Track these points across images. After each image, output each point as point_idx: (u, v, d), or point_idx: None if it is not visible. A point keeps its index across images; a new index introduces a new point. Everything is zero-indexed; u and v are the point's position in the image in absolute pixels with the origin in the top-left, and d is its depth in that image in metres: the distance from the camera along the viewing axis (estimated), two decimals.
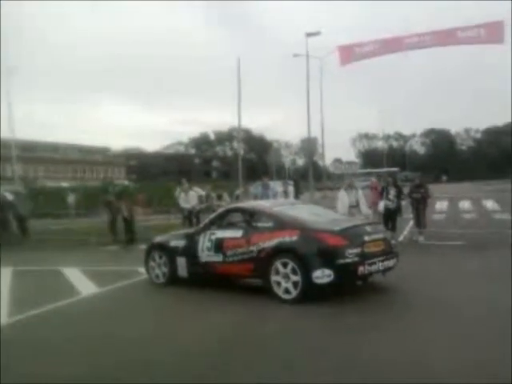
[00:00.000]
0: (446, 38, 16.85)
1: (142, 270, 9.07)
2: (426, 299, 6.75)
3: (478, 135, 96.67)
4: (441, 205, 20.44)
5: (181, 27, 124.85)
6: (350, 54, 17.68)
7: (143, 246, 10.07)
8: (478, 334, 5.20)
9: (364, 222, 7.80)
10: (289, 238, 6.94)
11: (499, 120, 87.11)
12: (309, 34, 29.12)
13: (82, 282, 9.03)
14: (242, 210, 8.21)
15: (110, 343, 5.51)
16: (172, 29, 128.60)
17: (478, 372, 4.17)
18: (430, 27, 17.55)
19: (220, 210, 8.72)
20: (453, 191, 29.21)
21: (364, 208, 11.42)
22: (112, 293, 8.24)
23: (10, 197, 16.70)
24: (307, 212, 8.00)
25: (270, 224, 7.34)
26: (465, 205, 21.43)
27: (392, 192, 12.32)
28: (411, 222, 13.50)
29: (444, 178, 64.96)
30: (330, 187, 42.02)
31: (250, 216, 7.79)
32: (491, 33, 15.98)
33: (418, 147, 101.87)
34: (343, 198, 11.50)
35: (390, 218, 12.13)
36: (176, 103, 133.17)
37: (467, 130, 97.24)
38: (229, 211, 8.42)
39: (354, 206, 11.34)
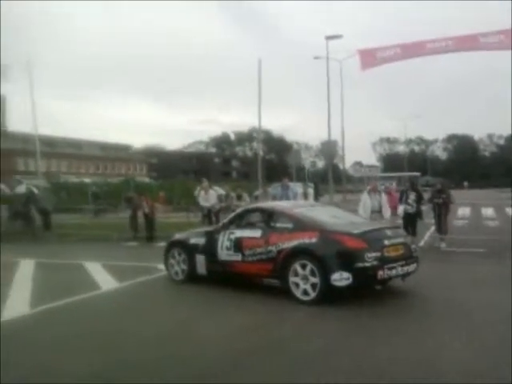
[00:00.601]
0: (468, 43, 16.65)
1: (162, 266, 9.17)
2: (444, 305, 6.69)
3: (501, 141, 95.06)
4: (463, 211, 20.18)
5: (201, 28, 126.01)
6: (371, 58, 17.55)
7: (163, 243, 10.18)
8: (491, 338, 5.14)
9: (384, 226, 7.75)
10: (308, 239, 6.94)
11: None
12: (329, 37, 29.04)
13: (102, 277, 9.18)
14: (262, 210, 8.23)
15: (128, 339, 5.57)
16: (193, 29, 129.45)
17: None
18: (450, 32, 17.42)
19: (239, 210, 8.76)
20: (475, 197, 28.82)
21: (387, 213, 11.19)
22: (131, 288, 8.36)
23: (34, 191, 17.07)
24: (327, 214, 7.99)
25: (289, 225, 7.35)
26: (487, 212, 21.11)
27: (411, 196, 12.19)
28: (432, 228, 13.34)
29: (465, 184, 64.04)
30: (349, 190, 41.85)
31: (270, 216, 7.80)
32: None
33: (440, 152, 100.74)
34: (366, 201, 11.25)
35: (410, 222, 12.00)
36: (197, 103, 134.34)
37: (490, 136, 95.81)
38: (248, 211, 8.46)
39: (377, 211, 11.09)
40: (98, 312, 6.86)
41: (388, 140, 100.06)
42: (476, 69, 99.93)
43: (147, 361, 4.81)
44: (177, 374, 4.48)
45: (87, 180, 36.74)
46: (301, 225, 7.23)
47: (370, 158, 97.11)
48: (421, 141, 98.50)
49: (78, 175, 47.61)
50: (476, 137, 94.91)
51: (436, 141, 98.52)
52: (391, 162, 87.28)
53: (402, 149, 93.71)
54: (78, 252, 12.55)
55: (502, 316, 6.02)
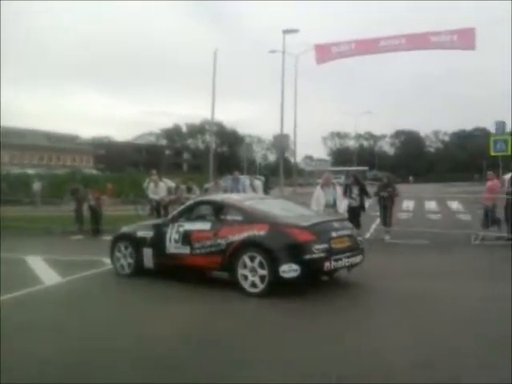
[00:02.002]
0: (420, 41, 17.16)
1: (107, 260, 8.94)
2: (385, 295, 6.89)
3: (447, 138, 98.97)
4: (407, 204, 20.81)
5: (156, 17, 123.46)
6: (326, 53, 17.81)
7: (109, 237, 9.92)
8: (434, 324, 5.34)
9: (332, 218, 7.87)
10: (257, 232, 6.95)
11: (467, 124, 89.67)
12: (286, 31, 29.10)
13: (45, 271, 8.85)
14: (212, 203, 8.16)
15: (70, 334, 5.40)
16: (148, 19, 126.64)
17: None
18: (405, 30, 17.91)
19: (189, 202, 8.67)
20: (419, 191, 29.82)
21: (341, 207, 10.72)
22: (75, 283, 8.09)
23: None
24: (277, 207, 8.02)
25: (239, 218, 7.33)
26: (431, 205, 21.86)
27: (355, 190, 12.37)
28: (378, 220, 13.69)
29: (411, 178, 66.26)
30: (300, 183, 42.39)
31: (220, 209, 7.75)
32: (463, 39, 16.37)
33: (388, 148, 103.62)
34: (319, 196, 10.69)
35: (354, 216, 12.13)
36: (148, 93, 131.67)
37: (436, 133, 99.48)
38: (198, 204, 8.37)
39: (331, 206, 10.56)
40: (39, 308, 6.59)
41: (338, 134, 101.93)
42: (427, 67, 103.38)
43: (86, 358, 4.66)
44: (116, 366, 4.37)
45: (30, 171, 35.30)
46: (250, 217, 7.22)
47: (321, 152, 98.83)
48: (370, 136, 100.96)
49: (21, 166, 45.65)
50: (422, 133, 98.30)
51: (384, 136, 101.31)
52: (341, 157, 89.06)
53: (351, 143, 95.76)
54: (20, 246, 12.01)
55: (439, 304, 6.26)
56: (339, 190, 10.97)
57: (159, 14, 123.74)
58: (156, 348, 4.88)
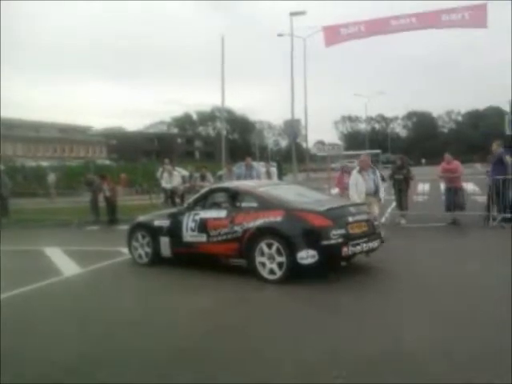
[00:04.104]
0: (431, 20, 16.79)
1: (125, 250, 9.01)
2: (407, 279, 6.86)
3: (460, 118, 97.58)
4: (423, 187, 20.58)
5: (163, 5, 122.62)
6: (335, 35, 17.50)
7: (125, 227, 9.99)
8: (452, 310, 5.30)
9: (348, 203, 7.82)
10: (274, 218, 6.93)
11: (480, 104, 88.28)
12: (293, 14, 28.76)
13: (64, 262, 8.93)
14: (227, 190, 8.14)
15: (93, 325, 5.43)
16: (155, 7, 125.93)
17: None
18: (415, 9, 17.54)
19: (204, 190, 8.66)
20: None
21: (382, 196, 9.74)
22: (94, 273, 8.16)
23: None
24: (292, 193, 7.98)
25: (254, 204, 7.31)
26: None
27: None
28: (393, 204, 13.58)
29: (423, 160, 65.48)
30: (312, 169, 42.13)
31: (235, 196, 7.74)
32: (475, 16, 15.97)
33: (400, 130, 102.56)
34: (358, 182, 9.46)
35: None
36: (157, 82, 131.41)
37: (449, 113, 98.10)
38: (213, 191, 8.36)
39: (373, 194, 9.48)
40: (61, 299, 6.66)
41: (350, 118, 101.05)
42: (439, 46, 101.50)
43: (114, 346, 4.71)
44: (139, 358, 4.38)
45: (45, 163, 35.59)
46: (266, 204, 7.20)
47: (332, 137, 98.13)
48: (381, 118, 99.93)
49: (35, 158, 46.04)
50: (435, 114, 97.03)
51: (396, 118, 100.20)
52: (353, 140, 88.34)
53: (363, 127, 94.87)
54: (38, 238, 12.17)
55: (458, 287, 6.22)
56: (379, 174, 9.89)
57: (166, 1, 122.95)
58: (176, 336, 4.91)
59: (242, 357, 4.31)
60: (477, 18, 15.81)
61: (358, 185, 9.45)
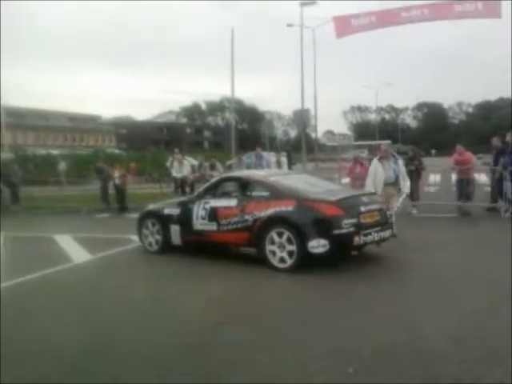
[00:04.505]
0: (443, 11, 16.49)
1: (134, 237, 9.03)
2: (418, 268, 6.82)
3: (470, 109, 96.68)
4: (434, 177, 20.43)
5: None
6: (346, 26, 17.26)
7: (135, 215, 10.01)
8: (461, 299, 5.24)
9: (360, 193, 7.76)
10: (285, 207, 6.89)
11: (492, 95, 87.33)
12: (303, 3, 28.47)
13: (74, 249, 8.97)
14: (237, 179, 8.11)
15: (102, 312, 5.44)
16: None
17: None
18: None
19: (214, 179, 8.63)
20: (443, 164, 29.23)
21: (406, 186, 9.31)
22: (105, 260, 8.18)
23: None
24: (303, 182, 7.93)
25: (265, 193, 7.27)
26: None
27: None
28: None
29: (433, 151, 65.01)
30: (322, 159, 41.99)
31: (245, 185, 7.70)
32: (488, 7, 15.68)
33: (410, 120, 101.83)
34: (377, 171, 9.00)
35: None
36: (166, 72, 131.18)
37: (459, 104, 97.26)
38: (223, 180, 8.32)
39: (392, 184, 9.01)
40: (71, 286, 6.67)
41: (359, 108, 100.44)
42: (448, 37, 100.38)
43: (125, 335, 4.71)
44: (153, 348, 4.35)
45: (55, 152, 35.76)
46: (277, 193, 7.16)
47: (342, 127, 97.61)
48: (391, 109, 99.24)
49: (46, 147, 46.27)
50: (445, 105, 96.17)
51: (406, 109, 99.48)
52: (362, 131, 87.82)
53: (373, 117, 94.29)
54: (48, 225, 12.23)
55: (468, 277, 6.16)
56: (401, 163, 9.36)
57: None
58: (186, 326, 4.88)
59: (249, 350, 4.28)
60: (490, 8, 15.52)
61: (377, 173, 8.99)
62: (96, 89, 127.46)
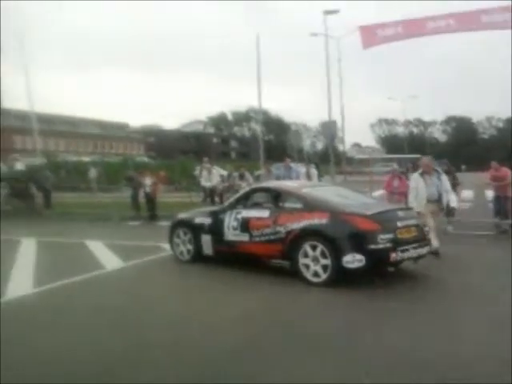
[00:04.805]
0: (470, 22, 16.06)
1: (166, 246, 9.04)
2: (458, 288, 6.60)
3: (500, 124, 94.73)
4: (467, 193, 20.01)
5: (198, 4, 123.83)
6: (372, 36, 17.03)
7: (165, 223, 10.06)
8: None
9: (397, 207, 7.61)
10: (318, 220, 6.79)
11: None
12: (327, 12, 28.33)
13: (106, 256, 9.04)
14: (270, 190, 8.04)
15: (135, 321, 5.42)
16: (189, 6, 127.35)
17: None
18: (451, 7, 16.83)
19: (246, 189, 8.61)
20: (475, 180, 28.65)
21: (454, 202, 8.73)
22: (137, 268, 8.20)
23: (19, 167, 16.81)
24: (336, 194, 7.82)
25: (298, 205, 7.19)
26: (490, 194, 20.93)
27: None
28: None
29: (463, 166, 63.83)
30: (349, 172, 41.69)
31: (278, 196, 7.63)
32: None
33: (439, 134, 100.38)
34: (419, 187, 8.40)
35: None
36: (193, 81, 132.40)
37: (489, 119, 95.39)
38: (255, 191, 8.28)
39: (436, 200, 8.41)
40: (105, 292, 6.71)
41: (386, 121, 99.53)
42: (476, 49, 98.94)
43: (159, 343, 4.69)
44: (185, 358, 4.33)
45: (86, 159, 36.40)
46: (310, 205, 7.07)
47: (369, 140, 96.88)
48: (419, 122, 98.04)
49: (76, 154, 47.17)
50: (475, 119, 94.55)
51: (435, 122, 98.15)
52: (390, 144, 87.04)
53: (400, 130, 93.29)
54: (80, 231, 12.40)
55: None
56: (445, 179, 8.69)
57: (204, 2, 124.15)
58: (217, 338, 4.81)
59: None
60: None
61: (419, 189, 8.45)
62: (123, 96, 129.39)
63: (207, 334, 4.93)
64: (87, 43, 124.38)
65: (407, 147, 68.76)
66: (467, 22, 15.99)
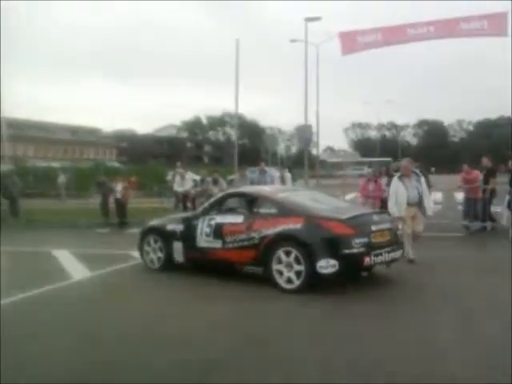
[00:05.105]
0: (449, 29, 16.37)
1: (135, 253, 8.79)
2: (430, 291, 6.59)
3: (471, 127, 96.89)
4: (435, 195, 20.24)
5: (175, 7, 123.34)
6: (352, 42, 17.14)
7: (136, 230, 9.80)
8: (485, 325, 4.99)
9: (370, 211, 7.55)
10: (293, 225, 6.66)
11: (493, 113, 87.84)
12: (308, 19, 28.55)
13: (73, 265, 8.71)
14: (244, 195, 7.89)
15: (102, 332, 5.19)
16: (166, 8, 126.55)
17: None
18: (430, 15, 17.11)
19: (220, 195, 8.42)
20: (444, 182, 29.11)
21: (431, 207, 8.60)
22: (104, 277, 7.93)
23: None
24: (311, 199, 7.71)
25: (273, 210, 7.06)
26: (460, 196, 21.24)
27: (384, 181, 11.96)
28: None
29: (432, 169, 64.96)
30: (322, 175, 41.91)
31: (252, 201, 7.48)
32: (495, 25, 15.59)
33: (411, 138, 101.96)
34: (399, 191, 8.09)
35: (382, 207, 11.68)
36: (167, 85, 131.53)
37: (460, 122, 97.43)
38: (230, 196, 8.10)
39: (416, 204, 8.12)
40: (70, 304, 6.41)
41: (360, 125, 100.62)
42: (449, 55, 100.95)
43: (126, 355, 4.46)
44: (149, 365, 4.14)
45: (55, 164, 35.56)
46: (285, 210, 6.94)
47: (342, 143, 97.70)
48: (392, 126, 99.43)
49: (46, 159, 46.13)
50: (446, 123, 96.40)
51: (407, 126, 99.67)
52: (363, 147, 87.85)
53: (373, 134, 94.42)
54: (47, 239, 11.98)
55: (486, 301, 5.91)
56: (424, 182, 8.48)
57: (178, 3, 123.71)
58: (188, 349, 4.63)
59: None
60: (497, 26, 15.43)
61: (399, 194, 8.11)
62: (95, 101, 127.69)
63: (159, 350, 4.65)
64: (59, 47, 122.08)
65: (379, 150, 69.70)
66: (446, 29, 16.24)
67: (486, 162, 12.66)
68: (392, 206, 8.16)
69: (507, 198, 11.63)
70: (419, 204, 8.17)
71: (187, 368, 4.18)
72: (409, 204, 8.07)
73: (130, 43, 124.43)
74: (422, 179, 8.40)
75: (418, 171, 8.83)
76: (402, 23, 17.25)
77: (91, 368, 4.19)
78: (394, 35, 16.70)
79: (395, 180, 8.36)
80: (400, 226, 7.85)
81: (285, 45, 53.45)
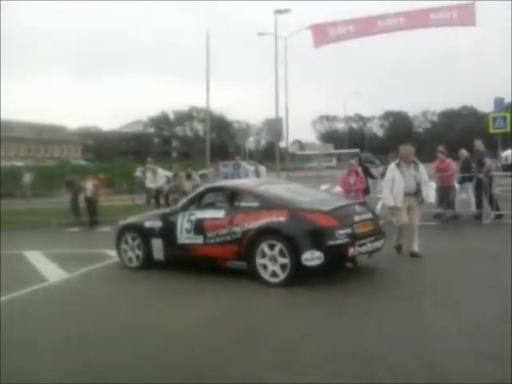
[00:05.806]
0: (418, 20, 16.58)
1: (110, 252, 8.58)
2: (414, 279, 6.64)
3: (435, 118, 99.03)
4: None
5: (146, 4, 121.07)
6: (323, 35, 17.15)
7: (108, 228, 9.55)
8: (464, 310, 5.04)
9: (353, 202, 7.53)
10: (276, 218, 6.57)
11: (455, 103, 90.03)
12: (278, 11, 28.36)
13: (47, 267, 8.40)
14: (225, 189, 7.77)
15: (83, 335, 4.98)
16: (133, 4, 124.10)
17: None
18: (398, 8, 17.25)
19: (200, 189, 8.25)
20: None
21: (431, 196, 8.18)
22: (82, 278, 7.65)
23: None
24: (292, 191, 7.63)
25: (255, 204, 6.95)
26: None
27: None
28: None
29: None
30: (291, 168, 42.10)
31: (233, 195, 7.37)
32: (463, 15, 15.89)
33: (377, 129, 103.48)
34: (396, 179, 7.64)
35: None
36: (133, 80, 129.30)
37: (424, 113, 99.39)
38: (210, 190, 7.94)
39: (414, 194, 7.67)
40: (50, 307, 6.15)
41: (327, 117, 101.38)
42: (415, 46, 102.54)
43: (109, 356, 4.28)
44: (134, 367, 4.00)
45: (19, 163, 34.44)
46: (268, 203, 6.83)
47: (310, 136, 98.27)
48: (359, 118, 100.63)
49: (8, 158, 44.68)
50: (411, 114, 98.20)
51: (373, 118, 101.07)
52: (330, 140, 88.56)
53: (341, 126, 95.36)
54: (16, 241, 11.55)
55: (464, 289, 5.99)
56: (423, 169, 7.96)
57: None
58: (171, 349, 4.50)
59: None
60: (465, 16, 15.73)
61: (396, 182, 7.60)
62: (60, 98, 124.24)
63: (143, 350, 4.49)
64: (20, 43, 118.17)
65: (347, 142, 70.49)
66: (416, 20, 16.44)
67: (478, 145, 12.55)
68: (387, 195, 7.76)
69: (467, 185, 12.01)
70: (416, 194, 7.74)
71: (172, 368, 4.04)
72: (406, 193, 7.65)
73: (95, 39, 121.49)
74: (421, 167, 7.92)
75: (416, 159, 8.28)
76: (373, 15, 17.28)
77: (74, 371, 4.03)
78: (365, 27, 16.80)
79: (392, 167, 7.89)
80: (394, 217, 7.72)
81: (253, 38, 53.15)
